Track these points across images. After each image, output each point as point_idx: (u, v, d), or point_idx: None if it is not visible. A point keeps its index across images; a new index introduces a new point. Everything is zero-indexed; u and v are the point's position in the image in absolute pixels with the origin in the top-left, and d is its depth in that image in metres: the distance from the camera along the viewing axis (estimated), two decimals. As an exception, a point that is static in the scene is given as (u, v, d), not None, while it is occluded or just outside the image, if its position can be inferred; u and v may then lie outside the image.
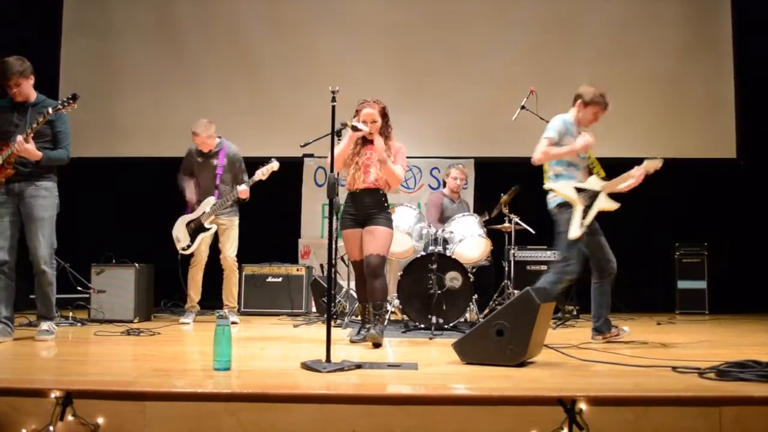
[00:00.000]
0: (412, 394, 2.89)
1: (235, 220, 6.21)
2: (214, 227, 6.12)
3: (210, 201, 6.09)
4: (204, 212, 6.10)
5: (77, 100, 4.58)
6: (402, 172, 4.73)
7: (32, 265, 4.70)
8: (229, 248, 6.17)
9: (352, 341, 4.68)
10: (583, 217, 4.67)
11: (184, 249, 6.16)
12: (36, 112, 4.62)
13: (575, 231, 4.62)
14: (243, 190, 6.04)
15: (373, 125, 4.62)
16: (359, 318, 5.22)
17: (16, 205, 4.69)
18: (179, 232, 6.20)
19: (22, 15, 7.94)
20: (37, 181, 4.69)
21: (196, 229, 6.13)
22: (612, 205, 4.77)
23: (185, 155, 6.24)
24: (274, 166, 6.04)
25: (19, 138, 4.49)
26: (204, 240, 6.13)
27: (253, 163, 6.11)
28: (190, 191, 6.17)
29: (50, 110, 4.52)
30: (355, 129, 4.49)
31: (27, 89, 4.69)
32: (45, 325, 4.75)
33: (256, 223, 6.88)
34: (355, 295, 5.40)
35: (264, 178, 6.05)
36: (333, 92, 3.84)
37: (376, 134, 4.62)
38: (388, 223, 4.71)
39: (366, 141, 4.72)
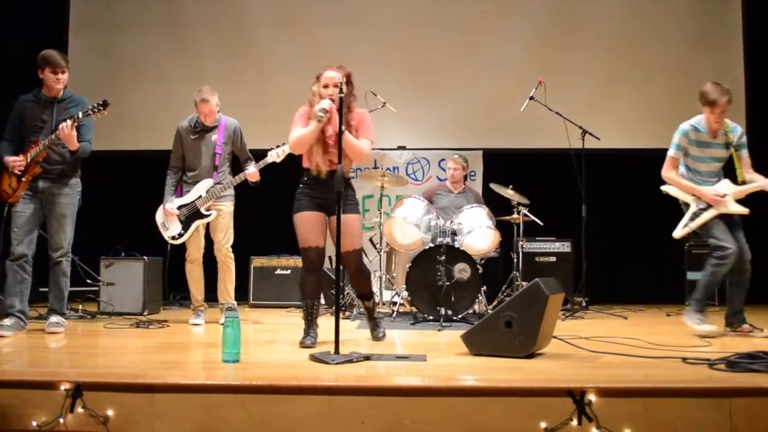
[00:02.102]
0: (421, 385, 2.90)
1: (231, 207, 5.61)
2: (213, 213, 5.50)
3: (206, 183, 5.51)
4: (200, 196, 5.50)
5: (107, 107, 4.66)
6: (367, 145, 4.17)
7: (49, 257, 4.77)
8: (224, 237, 5.53)
9: (304, 347, 3.99)
10: (691, 220, 4.78)
11: (174, 238, 5.56)
12: (63, 108, 4.72)
13: (678, 231, 4.94)
14: (252, 173, 5.48)
15: (336, 91, 3.91)
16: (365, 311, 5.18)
17: (40, 201, 4.75)
18: (165, 218, 5.58)
19: (29, 11, 7.94)
20: (63, 178, 4.79)
21: (189, 215, 5.51)
22: (740, 210, 4.93)
23: (174, 141, 5.63)
24: (288, 149, 5.31)
25: (68, 122, 4.54)
26: (198, 228, 5.53)
27: (261, 155, 6.06)
28: (169, 193, 5.56)
29: (80, 115, 4.60)
30: (321, 117, 3.98)
31: (67, 79, 4.82)
32: (55, 318, 4.77)
33: (264, 215, 6.89)
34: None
35: (279, 160, 5.51)
36: (340, 85, 3.82)
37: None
38: (356, 207, 4.29)
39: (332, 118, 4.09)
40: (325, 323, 5.53)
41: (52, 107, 4.77)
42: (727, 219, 4.83)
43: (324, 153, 4.13)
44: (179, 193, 5.62)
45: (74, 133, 4.59)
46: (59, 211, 4.75)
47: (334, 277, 6.06)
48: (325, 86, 4.10)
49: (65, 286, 4.83)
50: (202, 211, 5.52)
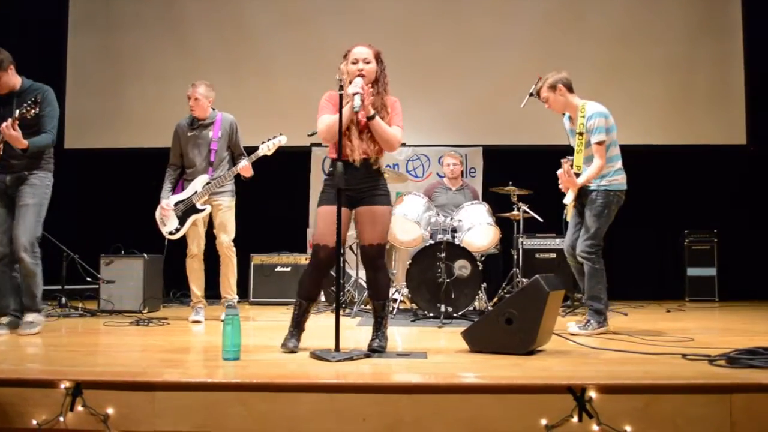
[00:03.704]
0: (422, 382, 2.89)
1: (233, 202, 5.61)
2: (208, 208, 5.50)
3: (202, 179, 5.51)
4: (195, 192, 5.50)
5: (38, 104, 4.32)
6: (399, 133, 3.84)
7: (8, 252, 4.55)
8: (225, 232, 5.54)
9: (286, 350, 3.73)
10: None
11: (171, 233, 5.57)
12: (23, 100, 4.39)
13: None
14: (244, 167, 5.41)
15: (367, 67, 3.78)
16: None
17: (10, 197, 4.58)
18: (162, 214, 5.60)
19: (28, 9, 7.94)
20: (29, 170, 4.56)
21: (186, 210, 5.52)
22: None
23: (172, 138, 5.66)
24: (282, 140, 5.44)
25: (5, 123, 4.27)
26: (197, 224, 5.54)
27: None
28: (166, 190, 5.58)
29: (17, 115, 4.28)
30: (357, 107, 3.63)
31: (8, 81, 4.51)
32: (30, 317, 4.54)
33: (264, 212, 6.89)
34: (363, 284, 5.20)
35: (269, 153, 5.45)
36: (340, 80, 3.79)
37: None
38: (388, 199, 3.85)
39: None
40: (325, 321, 5.56)
41: (11, 101, 4.48)
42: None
43: (358, 139, 3.77)
44: (180, 189, 5.63)
45: (15, 133, 4.27)
46: (21, 202, 4.51)
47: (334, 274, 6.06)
48: (354, 62, 3.78)
49: (34, 284, 4.53)
50: (198, 206, 5.51)
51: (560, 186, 4.84)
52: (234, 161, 5.65)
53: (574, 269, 4.85)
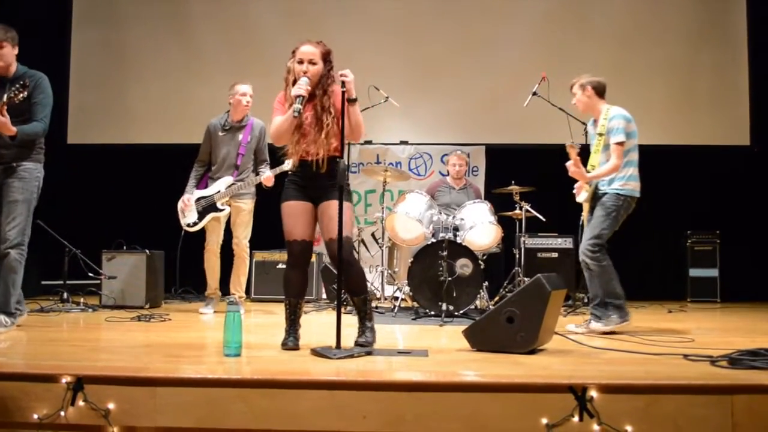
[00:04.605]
0: (422, 380, 2.90)
1: (251, 204, 5.87)
2: (227, 209, 5.78)
3: (227, 180, 5.75)
4: (218, 191, 5.75)
5: (26, 87, 4.20)
6: (361, 119, 3.79)
7: None
8: (242, 233, 5.82)
9: (287, 348, 3.73)
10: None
11: (189, 225, 5.82)
12: (14, 86, 4.22)
13: None
14: (268, 177, 5.63)
15: (312, 69, 3.71)
16: (373, 304, 5.16)
17: None
18: (184, 206, 5.83)
19: (33, 5, 7.94)
20: (18, 162, 4.42)
21: (206, 207, 5.77)
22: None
23: (204, 137, 5.89)
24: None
25: None
26: (218, 221, 5.82)
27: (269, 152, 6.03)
28: (190, 185, 5.82)
29: (5, 99, 4.15)
30: (297, 111, 3.59)
31: (9, 55, 4.41)
32: None
33: (266, 209, 6.86)
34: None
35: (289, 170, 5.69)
36: (342, 78, 3.78)
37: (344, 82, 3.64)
38: (347, 196, 3.72)
39: (308, 100, 3.73)
40: (326, 318, 5.57)
41: (4, 87, 4.31)
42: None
43: (298, 143, 3.76)
44: (204, 185, 5.88)
45: (3, 118, 4.14)
46: (10, 197, 4.37)
47: (335, 271, 6.06)
48: (300, 62, 3.73)
49: (12, 282, 4.36)
50: (218, 205, 5.77)
51: (575, 191, 4.91)
52: (257, 165, 5.89)
53: (586, 274, 4.83)
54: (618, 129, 4.68)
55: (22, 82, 4.21)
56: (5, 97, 4.17)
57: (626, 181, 4.71)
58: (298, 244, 3.76)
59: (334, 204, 3.64)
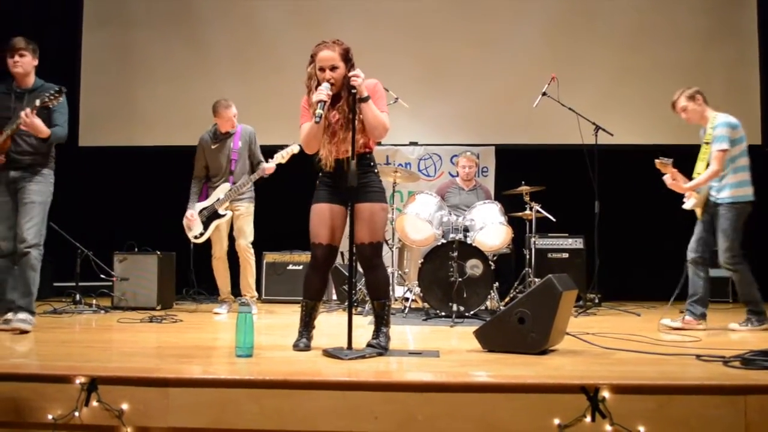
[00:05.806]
0: (434, 381, 2.90)
1: (251, 207, 6.05)
2: (229, 213, 5.98)
3: (224, 187, 5.98)
4: (218, 198, 5.97)
5: (63, 93, 4.42)
6: (387, 119, 3.72)
7: (16, 248, 4.48)
8: (244, 235, 5.97)
9: (298, 350, 3.72)
10: None
11: (196, 237, 6.03)
12: (34, 98, 4.43)
13: None
14: (270, 167, 5.93)
15: (335, 73, 3.68)
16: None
17: (14, 192, 4.55)
18: (188, 221, 6.03)
19: (43, 7, 7.99)
20: (34, 168, 4.56)
21: (209, 216, 5.98)
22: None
23: (196, 152, 6.11)
24: (294, 149, 5.76)
25: (27, 110, 4.30)
26: (220, 229, 6.00)
27: (273, 151, 6.07)
28: (192, 201, 6.03)
29: (37, 104, 4.34)
30: (318, 118, 3.58)
31: (29, 64, 4.56)
32: (22, 315, 4.40)
33: (276, 211, 6.89)
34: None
35: (284, 161, 5.92)
36: (353, 82, 3.76)
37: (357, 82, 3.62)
38: (381, 195, 3.74)
39: (334, 101, 3.74)
40: (337, 319, 5.57)
41: (22, 98, 4.52)
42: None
43: (330, 142, 3.75)
44: (204, 195, 6.10)
45: (37, 121, 4.34)
46: (27, 199, 4.49)
47: (346, 273, 6.07)
48: (321, 69, 3.69)
49: (32, 281, 4.45)
50: (220, 211, 5.98)
51: (684, 200, 5.06)
52: (253, 169, 6.08)
53: (690, 271, 5.08)
54: (722, 137, 4.80)
55: (58, 88, 4.41)
56: (38, 102, 4.35)
57: (737, 188, 4.83)
58: (323, 248, 3.76)
59: (367, 207, 3.68)
